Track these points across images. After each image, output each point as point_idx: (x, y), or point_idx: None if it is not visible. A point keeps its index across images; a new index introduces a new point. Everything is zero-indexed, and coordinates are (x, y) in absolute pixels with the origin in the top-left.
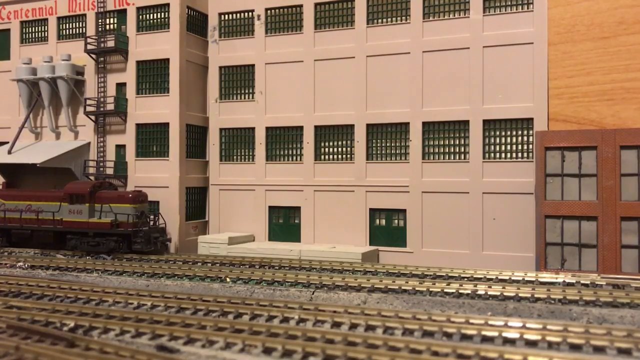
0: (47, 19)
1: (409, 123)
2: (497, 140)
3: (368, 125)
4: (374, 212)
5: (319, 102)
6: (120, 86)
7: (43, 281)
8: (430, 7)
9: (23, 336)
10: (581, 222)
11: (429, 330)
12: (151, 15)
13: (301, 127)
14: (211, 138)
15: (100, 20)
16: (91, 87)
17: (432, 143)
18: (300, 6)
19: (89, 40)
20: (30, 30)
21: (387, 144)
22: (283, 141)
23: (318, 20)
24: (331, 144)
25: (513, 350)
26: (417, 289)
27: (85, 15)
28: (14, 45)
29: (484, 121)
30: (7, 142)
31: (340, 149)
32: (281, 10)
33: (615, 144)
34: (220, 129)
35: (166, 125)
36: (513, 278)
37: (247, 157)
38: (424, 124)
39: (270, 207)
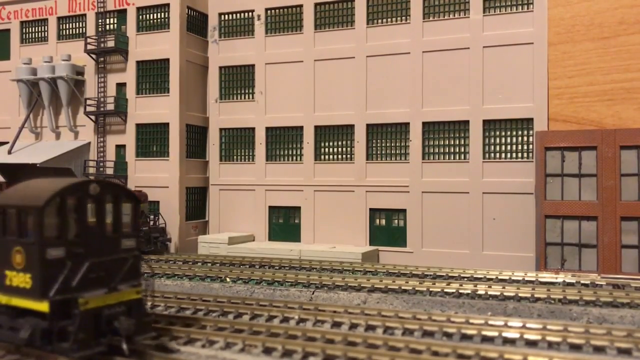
0: (47, 19)
1: (409, 123)
2: (497, 140)
3: (368, 125)
4: (374, 212)
5: (319, 102)
6: (120, 86)
7: None
8: (430, 7)
9: None
10: (581, 222)
11: (429, 330)
12: (151, 15)
13: (301, 127)
14: (211, 138)
15: (100, 21)
16: (91, 87)
17: (432, 143)
18: (300, 6)
19: (89, 40)
20: (30, 30)
21: (387, 144)
22: (283, 141)
23: (318, 20)
24: (331, 144)
25: (513, 350)
26: (417, 289)
27: (85, 15)
28: (14, 45)
29: (484, 121)
30: (7, 142)
31: (340, 149)
32: (281, 10)
33: (615, 144)
34: (220, 129)
35: (166, 125)
36: (513, 278)
37: (247, 157)
38: (424, 124)
39: (270, 207)
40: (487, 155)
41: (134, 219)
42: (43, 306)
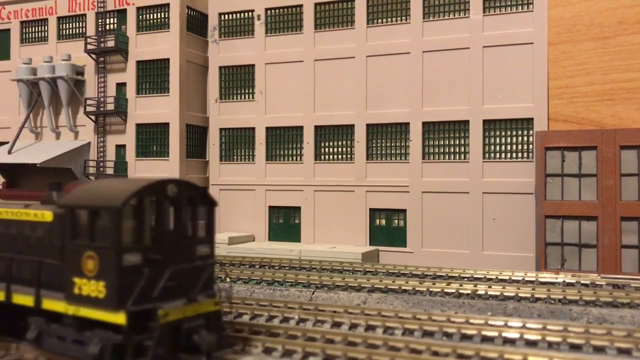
0: (47, 19)
1: (409, 123)
2: (497, 140)
3: (368, 125)
4: (374, 212)
5: (319, 102)
6: (120, 86)
7: None
8: (430, 7)
9: None
10: (581, 222)
11: (429, 330)
12: (151, 15)
13: (301, 127)
14: (211, 138)
15: (100, 20)
16: (91, 87)
17: (432, 143)
18: (300, 6)
19: (89, 40)
20: (30, 30)
21: (387, 144)
22: (283, 141)
23: (318, 20)
24: (331, 144)
25: (513, 350)
26: (417, 289)
27: (85, 15)
28: (14, 45)
29: (484, 121)
30: (7, 142)
31: (340, 149)
32: (281, 10)
33: (615, 144)
34: (220, 129)
35: (166, 125)
36: (513, 278)
37: (247, 157)
38: (424, 124)
39: (271, 207)
40: (487, 155)
41: (209, 224)
42: (119, 318)
